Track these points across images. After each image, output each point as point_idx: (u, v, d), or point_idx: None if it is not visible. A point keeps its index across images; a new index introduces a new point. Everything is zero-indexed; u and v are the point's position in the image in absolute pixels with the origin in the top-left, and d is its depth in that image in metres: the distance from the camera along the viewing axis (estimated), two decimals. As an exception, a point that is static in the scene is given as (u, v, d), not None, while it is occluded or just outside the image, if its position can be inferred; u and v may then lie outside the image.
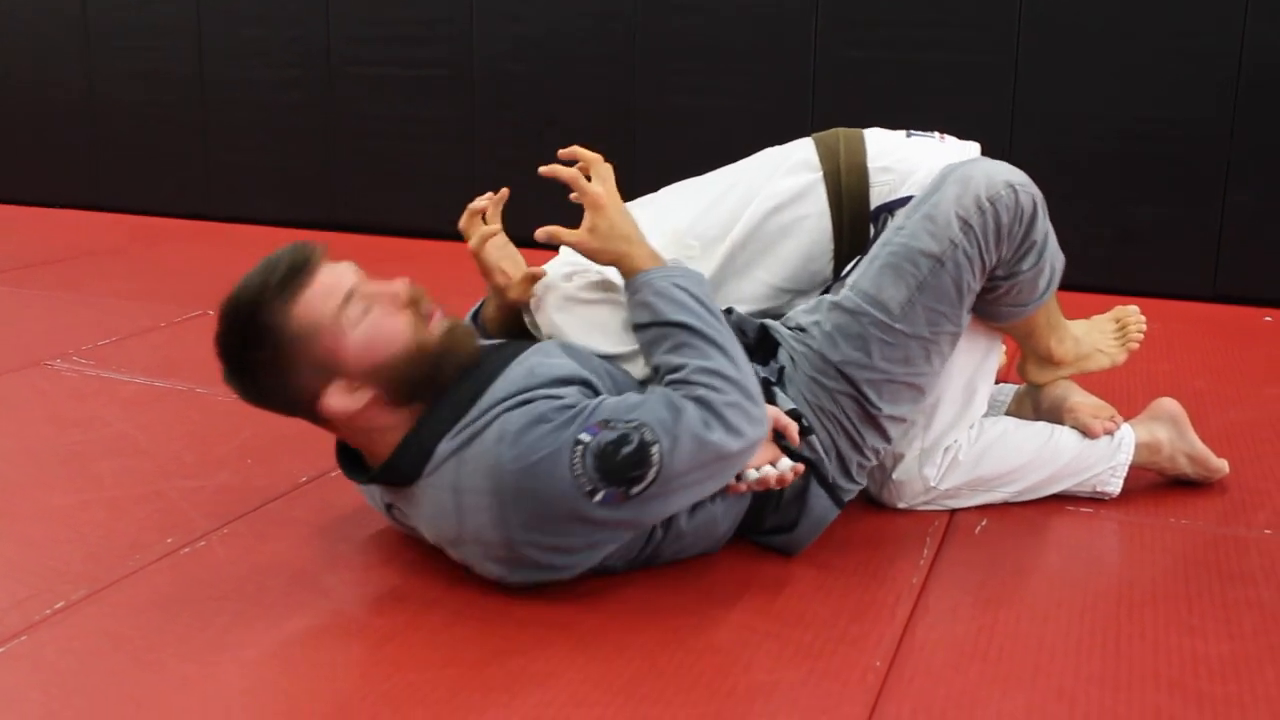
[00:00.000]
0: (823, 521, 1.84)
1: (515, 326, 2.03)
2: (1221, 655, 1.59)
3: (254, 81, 4.89)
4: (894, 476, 1.99)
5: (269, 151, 4.92)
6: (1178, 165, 3.61)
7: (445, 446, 1.65)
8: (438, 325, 1.70)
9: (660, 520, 1.71)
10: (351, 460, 1.81)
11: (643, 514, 1.64)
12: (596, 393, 1.70)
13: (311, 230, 4.81)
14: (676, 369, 1.68)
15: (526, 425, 1.59)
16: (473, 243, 1.97)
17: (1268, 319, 3.43)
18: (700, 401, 1.62)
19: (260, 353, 1.63)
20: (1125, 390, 2.67)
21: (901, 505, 2.02)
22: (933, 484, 1.98)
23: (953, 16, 3.74)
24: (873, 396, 1.84)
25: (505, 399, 1.64)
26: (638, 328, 1.77)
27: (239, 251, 4.50)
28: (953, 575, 1.82)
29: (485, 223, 1.99)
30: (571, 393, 1.66)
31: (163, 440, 2.44)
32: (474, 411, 1.64)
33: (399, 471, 1.70)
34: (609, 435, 1.57)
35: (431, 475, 1.67)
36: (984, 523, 2.00)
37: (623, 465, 1.57)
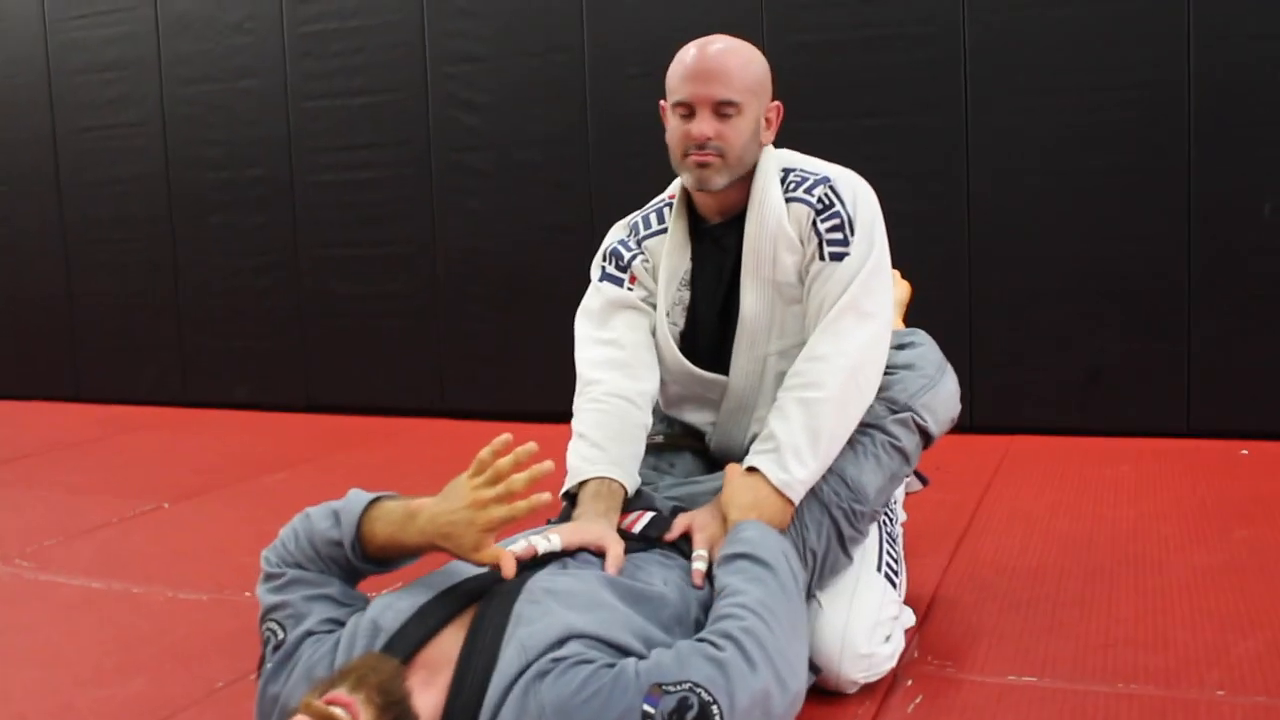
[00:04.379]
0: None
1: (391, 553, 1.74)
2: (1159, 841, 1.47)
3: (226, 268, 4.94)
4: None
5: (243, 336, 4.95)
6: (1140, 299, 3.56)
7: None
8: (365, 709, 1.40)
9: None
10: None
11: None
12: (599, 640, 1.53)
13: (286, 412, 4.81)
14: (738, 593, 1.63)
15: (571, 696, 1.42)
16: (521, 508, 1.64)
17: (1244, 452, 3.33)
18: (747, 632, 1.53)
19: None
20: (1088, 537, 2.57)
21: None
22: None
23: (903, 164, 3.76)
24: None
25: (509, 688, 1.46)
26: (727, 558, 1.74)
27: (212, 438, 4.53)
28: (877, 761, 1.71)
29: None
30: (584, 653, 1.49)
31: (87, 646, 2.36)
32: (484, 718, 1.46)
33: None
34: (669, 703, 1.42)
35: None
36: (918, 699, 1.89)
37: None
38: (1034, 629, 2.15)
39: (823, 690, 1.91)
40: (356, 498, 1.72)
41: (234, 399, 4.96)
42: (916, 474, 2.23)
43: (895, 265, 2.17)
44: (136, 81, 5.02)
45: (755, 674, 1.48)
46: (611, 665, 1.46)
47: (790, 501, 1.88)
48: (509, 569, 1.62)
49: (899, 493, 2.25)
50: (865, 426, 1.99)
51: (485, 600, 1.59)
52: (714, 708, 1.43)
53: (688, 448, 2.26)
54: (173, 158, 4.99)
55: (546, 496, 1.61)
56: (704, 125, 1.96)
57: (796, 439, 1.89)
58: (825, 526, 1.94)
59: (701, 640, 1.53)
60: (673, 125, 2.02)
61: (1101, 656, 2.01)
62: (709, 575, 1.78)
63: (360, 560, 1.69)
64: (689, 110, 1.98)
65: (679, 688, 1.43)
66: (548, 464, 1.62)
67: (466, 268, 4.48)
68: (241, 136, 4.84)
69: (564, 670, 1.44)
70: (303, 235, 4.76)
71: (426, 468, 3.51)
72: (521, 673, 1.46)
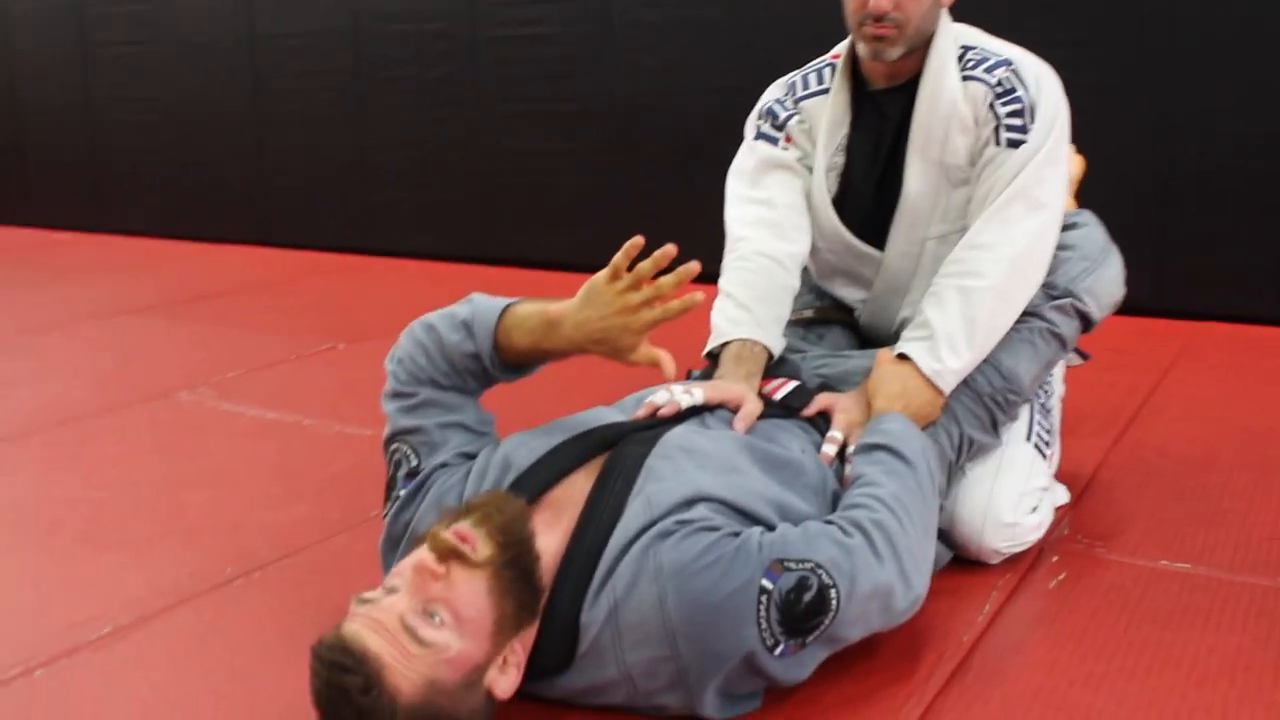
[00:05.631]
0: None
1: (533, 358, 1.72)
2: (1302, 736, 1.40)
3: (408, 121, 5.03)
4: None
5: (424, 187, 5.04)
6: None
7: (589, 617, 1.42)
8: (485, 544, 1.37)
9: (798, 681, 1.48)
10: None
11: (800, 670, 1.45)
12: (728, 505, 1.50)
13: (463, 263, 4.90)
14: (873, 483, 1.59)
15: (690, 562, 1.39)
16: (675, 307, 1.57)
17: None
18: (878, 525, 1.49)
19: None
20: (1267, 430, 2.43)
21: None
22: None
23: (1090, 28, 3.54)
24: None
25: (630, 543, 1.44)
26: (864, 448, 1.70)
27: (390, 285, 4.66)
28: (1010, 634, 1.67)
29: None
30: (711, 518, 1.46)
31: (258, 471, 2.49)
32: (602, 569, 1.43)
33: (548, 661, 1.44)
34: (788, 581, 1.39)
35: (585, 655, 1.44)
36: (1061, 576, 1.84)
37: (804, 614, 1.40)
38: (1194, 517, 2.06)
39: (964, 560, 1.87)
40: (485, 306, 1.69)
41: (414, 248, 5.09)
42: (1076, 350, 2.13)
43: (1075, 138, 2.05)
44: (326, -68, 5.09)
45: (880, 566, 1.45)
46: (736, 534, 1.44)
47: (940, 392, 1.82)
48: (669, 368, 1.60)
49: (1058, 366, 2.17)
50: (1023, 312, 1.91)
51: (618, 449, 1.59)
52: (832, 591, 1.40)
53: (837, 321, 2.21)
54: (359, 11, 5.06)
55: (700, 297, 1.54)
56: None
57: (952, 327, 1.82)
58: (976, 415, 1.87)
59: (830, 523, 1.50)
60: None
61: (1263, 549, 1.92)
62: (840, 459, 1.74)
63: (499, 371, 1.70)
64: None
65: (801, 566, 1.41)
66: (694, 265, 1.53)
67: (643, 125, 4.44)
68: (425, -11, 4.88)
69: (687, 534, 1.43)
70: (483, 89, 4.79)
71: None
72: (645, 529, 1.45)
